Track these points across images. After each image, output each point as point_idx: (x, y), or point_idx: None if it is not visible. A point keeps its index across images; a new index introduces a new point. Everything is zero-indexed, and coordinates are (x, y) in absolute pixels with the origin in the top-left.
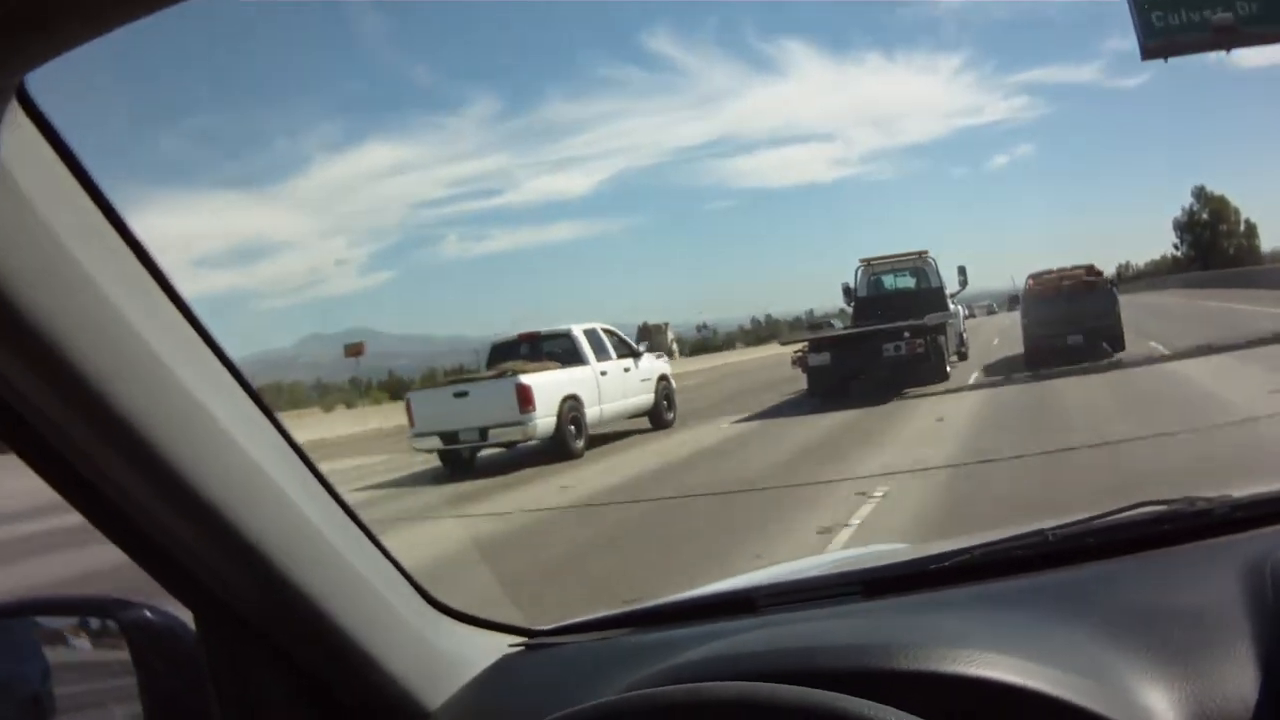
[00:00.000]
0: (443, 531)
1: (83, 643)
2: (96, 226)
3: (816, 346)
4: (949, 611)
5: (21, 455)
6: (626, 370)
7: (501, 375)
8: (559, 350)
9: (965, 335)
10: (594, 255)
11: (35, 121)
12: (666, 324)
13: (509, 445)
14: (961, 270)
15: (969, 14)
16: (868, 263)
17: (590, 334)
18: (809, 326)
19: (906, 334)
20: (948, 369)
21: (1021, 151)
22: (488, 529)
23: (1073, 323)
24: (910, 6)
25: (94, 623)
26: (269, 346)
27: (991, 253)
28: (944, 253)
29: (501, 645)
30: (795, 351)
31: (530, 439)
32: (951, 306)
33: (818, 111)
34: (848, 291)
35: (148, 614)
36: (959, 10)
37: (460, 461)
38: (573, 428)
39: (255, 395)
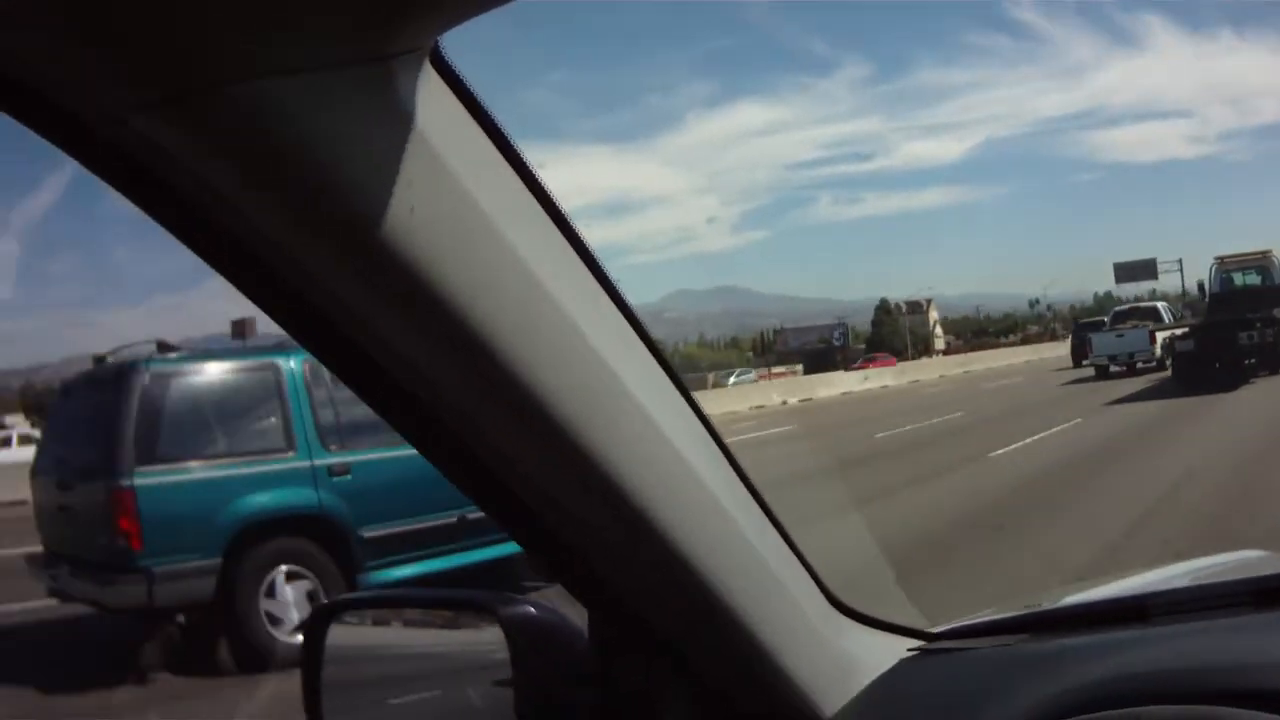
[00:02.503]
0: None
1: (457, 636)
2: (514, 191)
3: (1183, 334)
4: None
5: (422, 448)
6: None
7: (1137, 328)
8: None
9: None
10: (962, 222)
11: (450, 84)
12: (929, 300)
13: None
14: None
15: None
16: (1220, 260)
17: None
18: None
19: (1258, 325)
20: None
21: None
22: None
23: None
24: None
25: (472, 618)
26: (635, 301)
27: None
28: None
29: (898, 648)
30: (1165, 338)
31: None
32: None
33: (1175, 88)
34: (1202, 287)
35: (531, 610)
36: None
37: (1107, 373)
38: None
39: (664, 360)
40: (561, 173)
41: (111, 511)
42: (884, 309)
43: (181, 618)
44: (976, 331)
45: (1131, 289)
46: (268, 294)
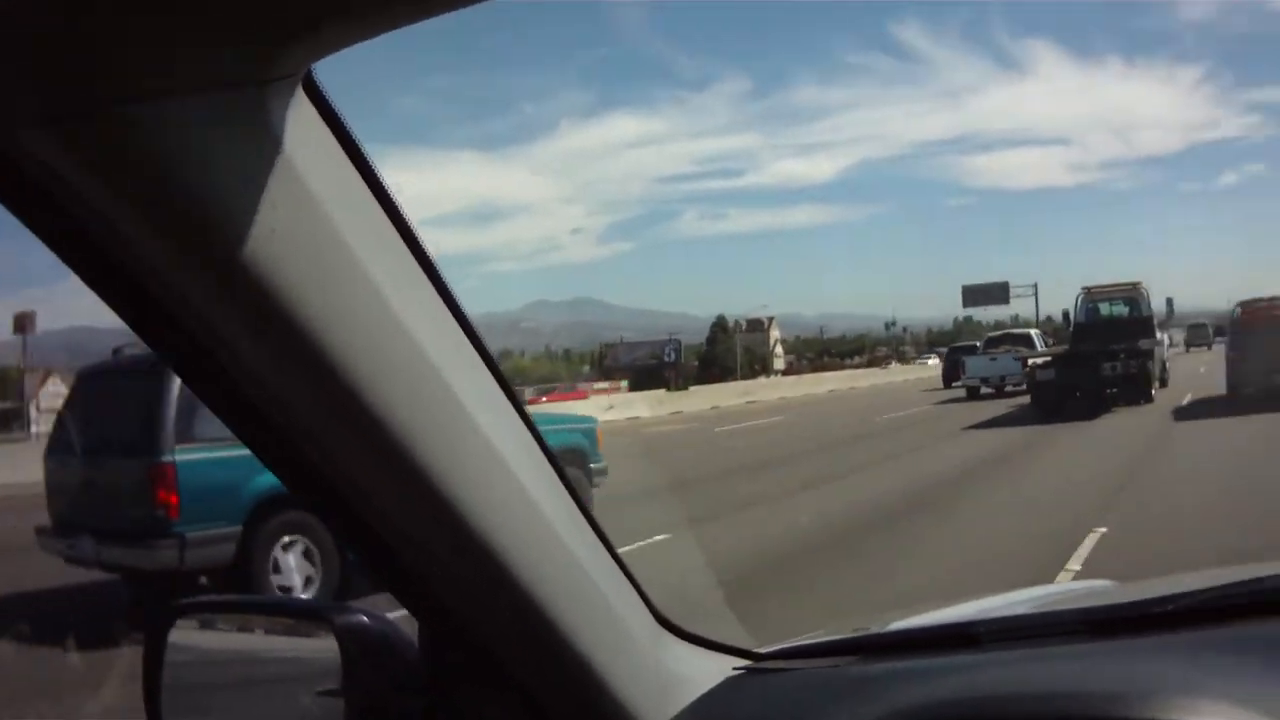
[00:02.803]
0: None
1: (296, 644)
2: (374, 219)
3: (1045, 363)
4: (1174, 657)
5: (256, 450)
6: None
7: (1009, 352)
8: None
9: (1167, 363)
10: (831, 242)
11: (321, 110)
12: (770, 319)
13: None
14: (1169, 302)
15: (1208, 26)
16: (1088, 290)
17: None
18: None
19: (1122, 355)
20: (1153, 392)
21: (1251, 170)
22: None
23: None
24: (1151, 15)
25: (310, 626)
26: (494, 309)
27: (1216, 272)
28: (1169, 268)
29: (724, 667)
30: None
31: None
32: (1158, 335)
33: (1057, 114)
34: (1067, 316)
35: (364, 619)
36: (1198, 22)
37: (978, 394)
38: None
39: (505, 384)
40: (432, 178)
41: (152, 484)
42: (720, 326)
43: (204, 579)
44: (821, 352)
45: (986, 313)
46: (135, 308)
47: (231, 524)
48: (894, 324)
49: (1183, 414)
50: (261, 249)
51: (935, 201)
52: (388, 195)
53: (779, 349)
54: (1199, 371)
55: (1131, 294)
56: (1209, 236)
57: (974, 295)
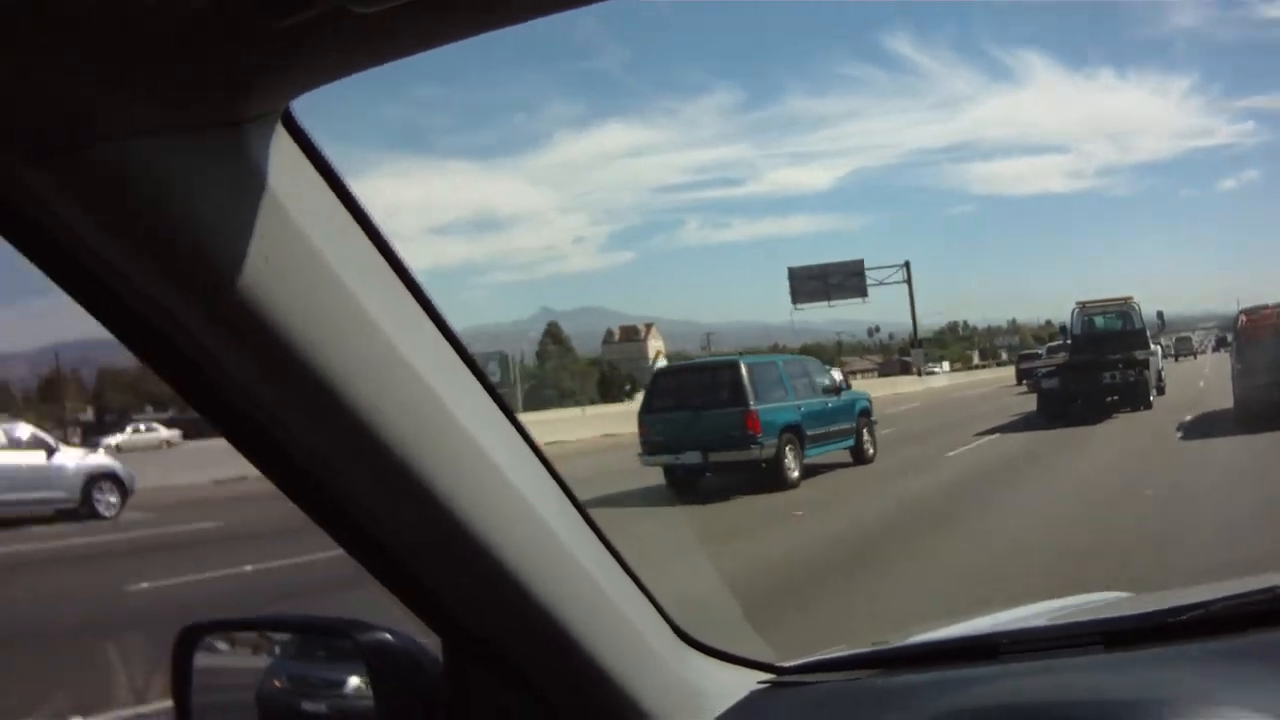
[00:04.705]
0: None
1: (321, 662)
2: (359, 245)
3: (1048, 373)
4: (1188, 667)
5: (271, 477)
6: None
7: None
8: None
9: (1162, 372)
10: (831, 250)
11: (301, 145)
12: (648, 326)
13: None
14: (1160, 315)
15: (1198, 34)
16: (1082, 305)
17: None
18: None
19: (1120, 365)
20: (1150, 399)
21: (1248, 177)
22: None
23: None
24: (1141, 26)
25: (335, 643)
26: (501, 319)
27: (1218, 275)
28: (1170, 274)
29: (748, 681)
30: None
31: None
32: (1152, 346)
33: (1053, 123)
34: (1064, 330)
35: (388, 637)
36: (1188, 30)
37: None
38: None
39: (501, 401)
40: (429, 187)
41: (744, 420)
42: (552, 335)
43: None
44: None
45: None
46: (132, 331)
47: (772, 439)
48: (877, 329)
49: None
50: (255, 277)
51: (935, 209)
52: (370, 222)
53: (661, 362)
54: (1198, 386)
55: (1124, 308)
56: (1209, 241)
57: (806, 283)
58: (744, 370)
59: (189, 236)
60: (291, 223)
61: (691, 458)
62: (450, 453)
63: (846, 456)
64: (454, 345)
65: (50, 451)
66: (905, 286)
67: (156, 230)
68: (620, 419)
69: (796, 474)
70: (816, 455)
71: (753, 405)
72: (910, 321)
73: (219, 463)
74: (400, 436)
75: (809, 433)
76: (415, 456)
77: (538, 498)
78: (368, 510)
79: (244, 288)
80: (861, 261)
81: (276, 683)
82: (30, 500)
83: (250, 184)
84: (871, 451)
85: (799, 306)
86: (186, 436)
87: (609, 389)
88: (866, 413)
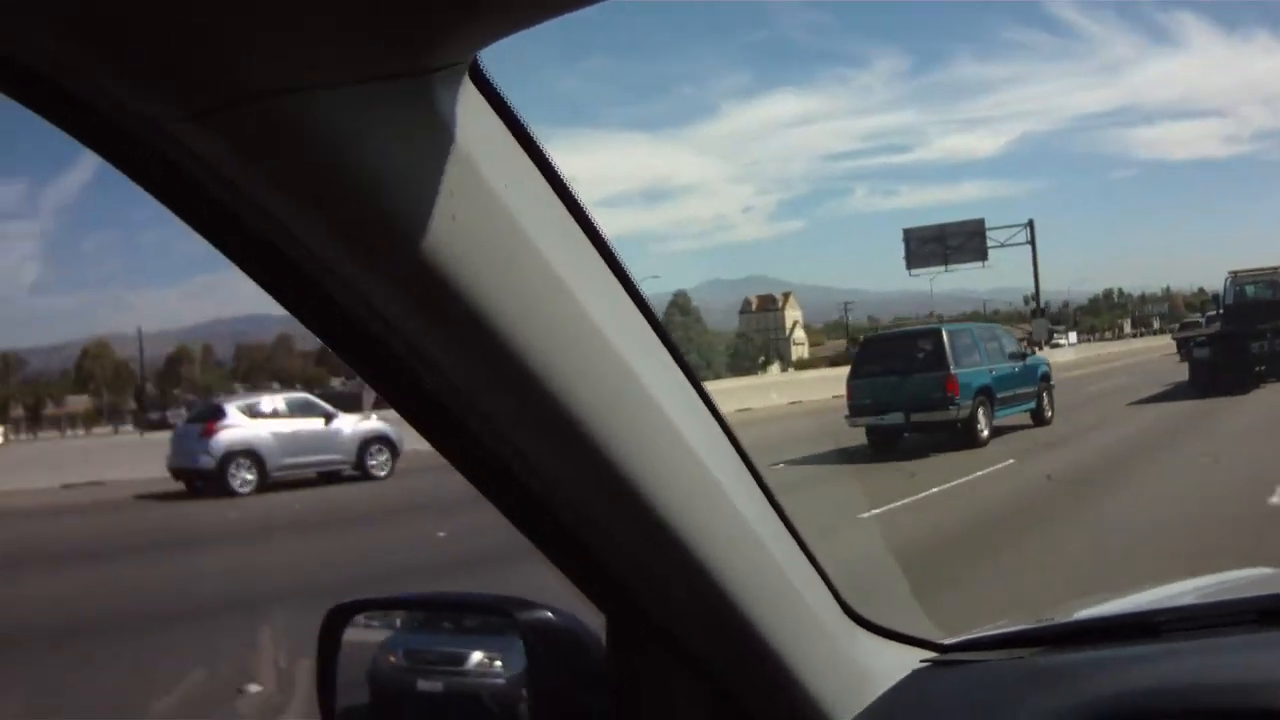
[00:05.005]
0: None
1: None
2: (549, 204)
3: (1199, 343)
4: None
5: (442, 449)
6: None
7: None
8: None
9: None
10: (999, 216)
11: (488, 97)
12: (786, 295)
13: None
14: None
15: None
16: (1235, 274)
17: None
18: (1182, 326)
19: (1269, 334)
20: None
21: None
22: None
23: None
24: None
25: (496, 621)
26: (670, 287)
27: None
28: None
29: (912, 659)
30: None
31: None
32: None
33: (1210, 86)
34: (1216, 299)
35: (549, 615)
36: None
37: None
38: None
39: (691, 372)
40: (598, 159)
41: (945, 384)
42: (679, 305)
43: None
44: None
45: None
46: (297, 295)
47: (969, 400)
48: (1034, 299)
49: None
50: (442, 237)
51: (1098, 175)
52: (561, 181)
53: (798, 333)
54: None
55: (1275, 277)
56: None
57: (922, 246)
58: (945, 337)
59: (370, 193)
60: (480, 179)
61: (895, 418)
62: (635, 421)
63: (1027, 419)
64: (644, 311)
65: (328, 418)
66: (1030, 248)
67: (335, 187)
68: (751, 393)
69: (987, 433)
70: (1004, 417)
71: (953, 370)
72: (1035, 286)
73: None
74: (587, 403)
75: (999, 395)
76: (600, 425)
77: (719, 469)
78: (545, 481)
79: (429, 247)
80: (982, 221)
81: (391, 659)
82: (313, 463)
83: (436, 137)
84: (1050, 414)
85: (914, 272)
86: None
87: (739, 362)
88: (1046, 377)
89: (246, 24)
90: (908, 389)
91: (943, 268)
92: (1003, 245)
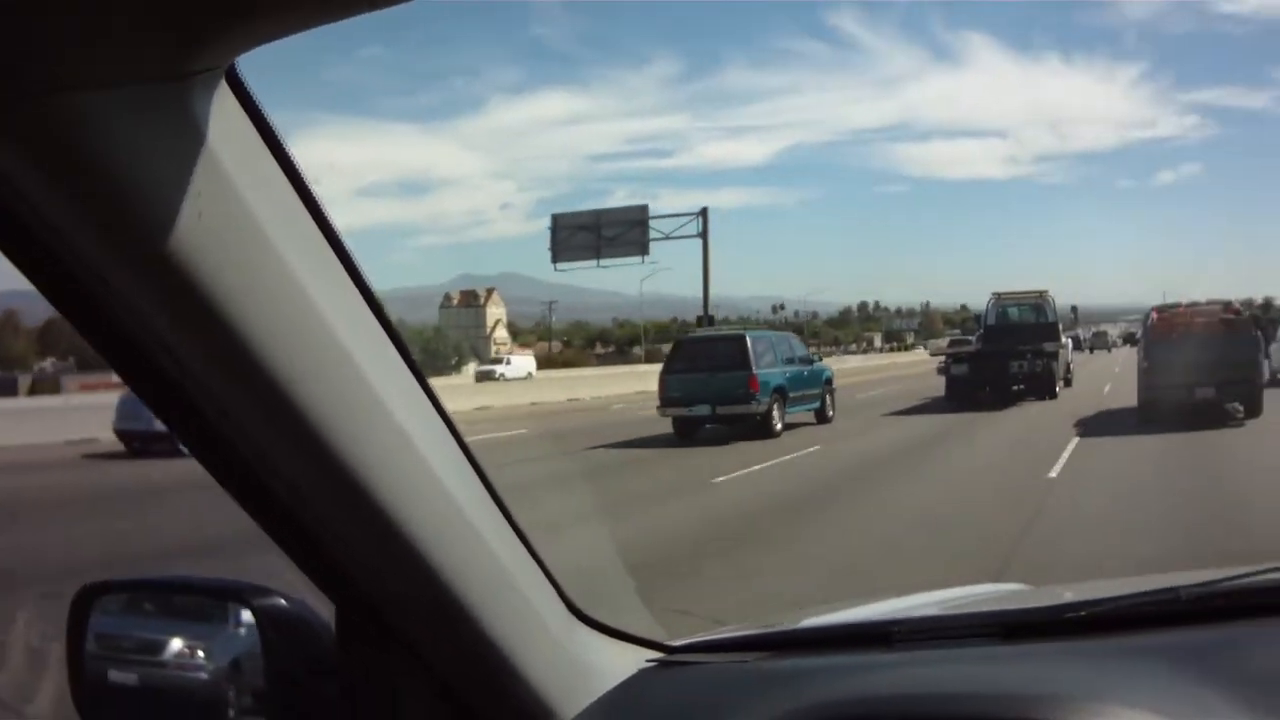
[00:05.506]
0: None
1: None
2: (293, 209)
3: (958, 359)
4: (1084, 663)
5: (180, 435)
6: None
7: None
8: None
9: (1071, 365)
10: (762, 224)
11: (243, 102)
12: (489, 291)
13: None
14: (1073, 309)
15: (1150, 24)
16: (998, 296)
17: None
18: (952, 343)
19: (1029, 355)
20: (1056, 390)
21: (1188, 171)
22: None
23: (1203, 373)
24: (1092, 12)
25: (230, 606)
26: (424, 282)
27: (1147, 269)
28: (1098, 265)
29: (638, 659)
30: (942, 360)
31: None
32: (1062, 339)
33: (993, 107)
34: (979, 319)
35: (282, 602)
36: (1140, 20)
37: None
38: None
39: (419, 372)
40: (364, 148)
41: (748, 382)
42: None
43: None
44: (593, 342)
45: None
46: (62, 292)
47: (767, 398)
48: (782, 307)
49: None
50: (186, 234)
51: (866, 188)
52: (306, 187)
53: (500, 332)
54: (1113, 373)
55: (1038, 301)
56: (1142, 234)
57: (572, 236)
58: (749, 342)
59: (124, 190)
60: (227, 181)
61: (701, 410)
62: (360, 416)
63: (811, 417)
64: (375, 311)
65: None
66: (700, 241)
67: (93, 184)
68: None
69: (780, 426)
70: (794, 413)
71: (754, 370)
72: (704, 288)
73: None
74: (314, 397)
75: (791, 394)
76: (326, 417)
77: (442, 464)
78: (272, 470)
79: (174, 243)
80: (645, 208)
81: (86, 646)
82: None
83: (189, 140)
84: (831, 413)
85: (560, 266)
86: None
87: (432, 361)
88: (829, 381)
89: (12, 24)
90: (714, 385)
91: (595, 262)
92: (667, 237)
